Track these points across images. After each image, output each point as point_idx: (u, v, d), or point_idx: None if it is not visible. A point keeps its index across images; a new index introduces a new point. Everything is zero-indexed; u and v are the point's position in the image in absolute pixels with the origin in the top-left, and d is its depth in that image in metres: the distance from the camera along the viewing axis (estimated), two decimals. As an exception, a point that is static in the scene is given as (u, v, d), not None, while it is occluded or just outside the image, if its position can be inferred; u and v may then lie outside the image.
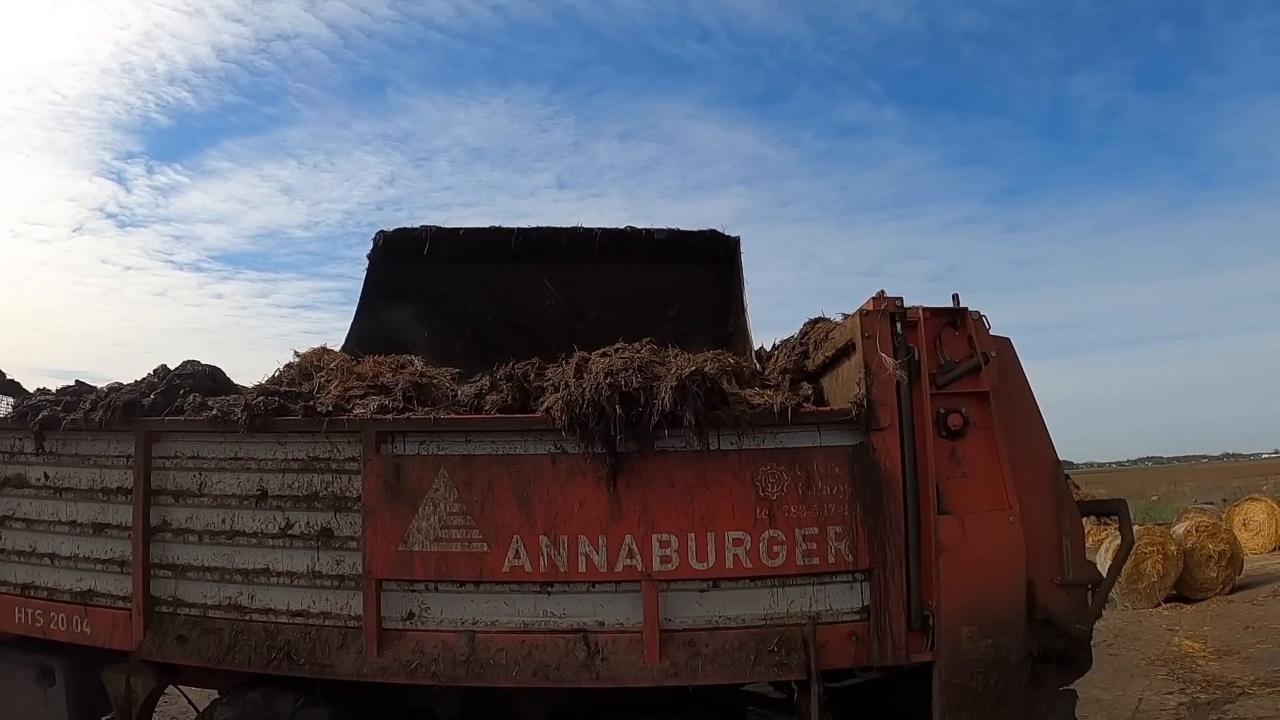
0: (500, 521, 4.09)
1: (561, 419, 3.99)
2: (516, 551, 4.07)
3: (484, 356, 4.57)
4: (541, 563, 4.06)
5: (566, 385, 4.13)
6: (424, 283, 6.01)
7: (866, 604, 4.04)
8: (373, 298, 6.19)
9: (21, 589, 4.92)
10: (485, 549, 4.10)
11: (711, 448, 4.03)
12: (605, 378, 4.01)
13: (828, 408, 4.23)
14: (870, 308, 4.14)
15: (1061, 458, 4.31)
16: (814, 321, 5.03)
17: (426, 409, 4.34)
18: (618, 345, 4.45)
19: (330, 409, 4.35)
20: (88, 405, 4.73)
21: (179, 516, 4.56)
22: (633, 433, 3.97)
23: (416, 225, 5.81)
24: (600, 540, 4.04)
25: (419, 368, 4.84)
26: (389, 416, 4.25)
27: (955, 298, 4.19)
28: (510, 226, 5.63)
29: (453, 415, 4.28)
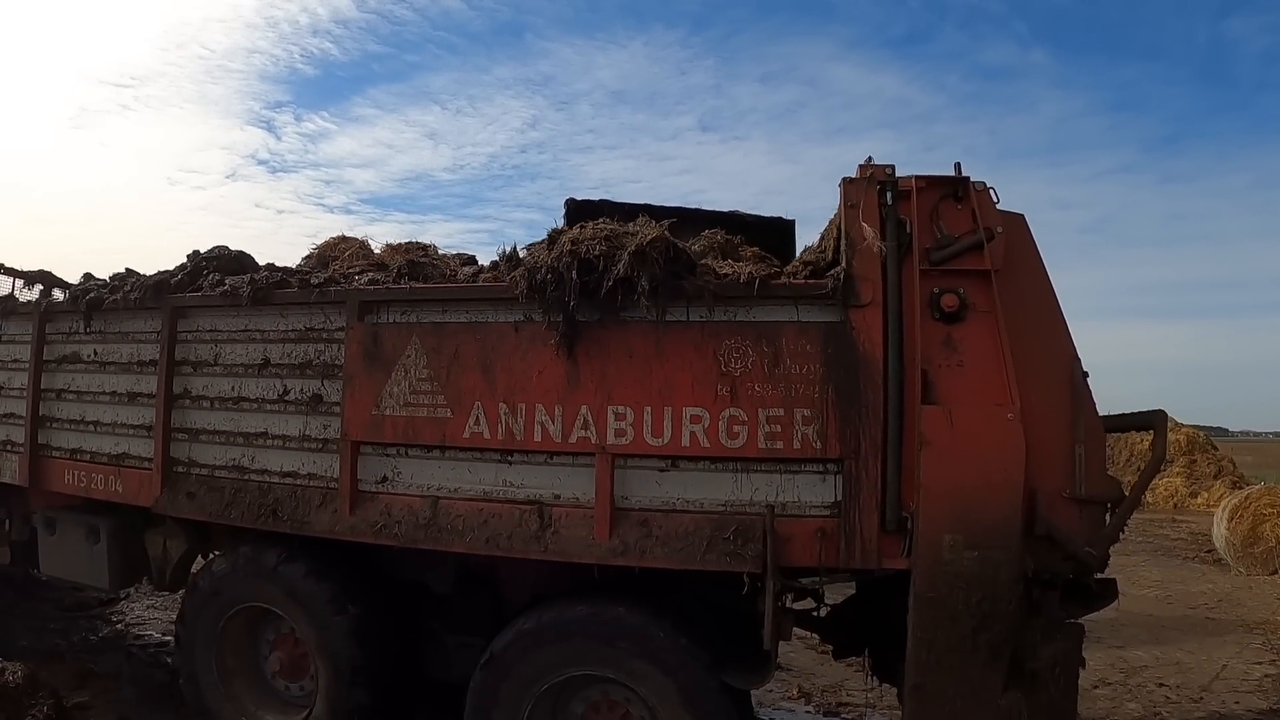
0: (463, 388, 4.07)
1: (521, 285, 3.90)
2: (477, 418, 4.03)
3: None
4: (500, 430, 3.99)
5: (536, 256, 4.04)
6: None
7: (838, 499, 3.68)
8: None
9: (71, 453, 5.45)
10: (448, 414, 4.09)
11: (672, 319, 3.82)
12: (569, 245, 3.88)
13: (801, 281, 3.90)
14: (856, 175, 3.81)
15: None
16: None
17: (414, 283, 4.38)
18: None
19: (322, 282, 4.49)
20: (128, 287, 5.16)
21: (196, 385, 4.86)
22: (590, 300, 3.82)
23: (595, 198, 6.81)
24: (556, 410, 3.92)
25: (430, 252, 4.91)
26: (369, 287, 4.35)
27: (957, 166, 3.77)
28: (658, 204, 6.72)
29: (426, 285, 4.29)
